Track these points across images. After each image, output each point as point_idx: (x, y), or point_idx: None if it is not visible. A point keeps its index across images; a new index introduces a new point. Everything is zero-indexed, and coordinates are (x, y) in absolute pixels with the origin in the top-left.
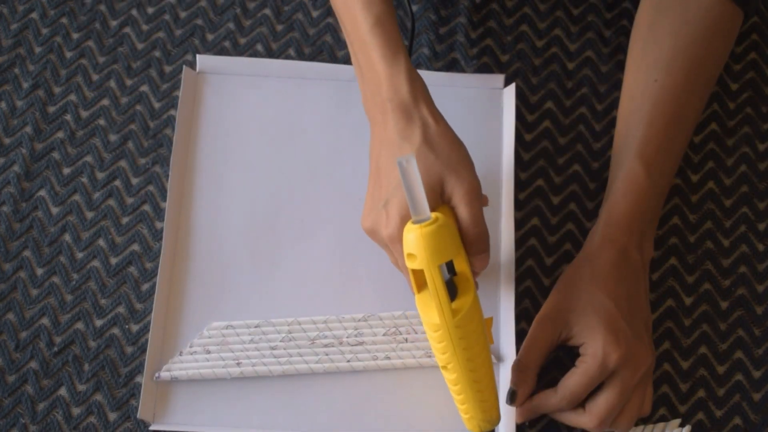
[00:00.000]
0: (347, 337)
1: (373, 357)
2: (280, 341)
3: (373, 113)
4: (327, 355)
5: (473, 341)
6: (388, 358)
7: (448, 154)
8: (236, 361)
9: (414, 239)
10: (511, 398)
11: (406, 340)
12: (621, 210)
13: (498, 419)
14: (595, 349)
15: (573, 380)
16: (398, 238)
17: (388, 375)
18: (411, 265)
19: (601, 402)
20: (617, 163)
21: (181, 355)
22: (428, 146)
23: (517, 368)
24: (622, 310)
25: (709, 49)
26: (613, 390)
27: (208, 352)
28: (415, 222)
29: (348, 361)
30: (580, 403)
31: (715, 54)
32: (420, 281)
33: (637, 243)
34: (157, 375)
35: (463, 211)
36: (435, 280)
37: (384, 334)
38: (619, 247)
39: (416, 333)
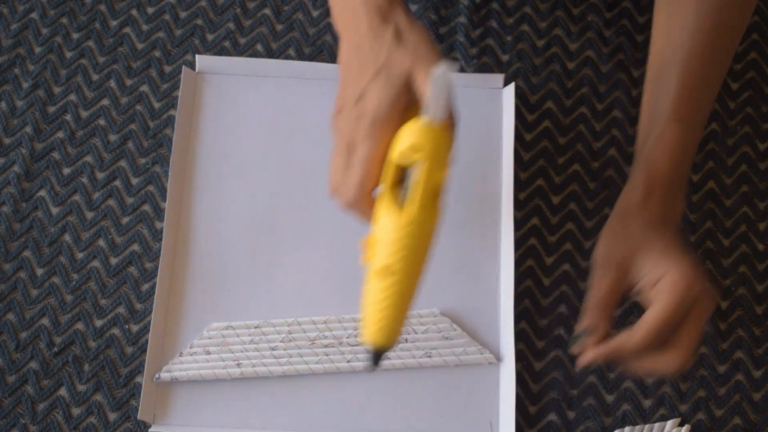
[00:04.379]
0: (347, 338)
1: None
2: (280, 341)
3: (344, 21)
4: (327, 355)
5: (426, 250)
6: (388, 358)
7: (415, 47)
8: (236, 362)
9: (427, 133)
10: (588, 334)
11: (406, 340)
12: (661, 171)
13: (392, 345)
14: (676, 279)
15: (654, 315)
16: (373, 134)
17: (388, 375)
18: (406, 159)
19: (685, 335)
20: (649, 128)
21: (181, 356)
22: (398, 41)
23: (596, 305)
24: (685, 254)
25: (731, 14)
26: (695, 322)
27: (208, 353)
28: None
29: (348, 361)
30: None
31: (736, 19)
32: (396, 178)
33: (674, 203)
34: (157, 376)
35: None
36: (427, 175)
37: None
38: (663, 206)
39: (416, 333)
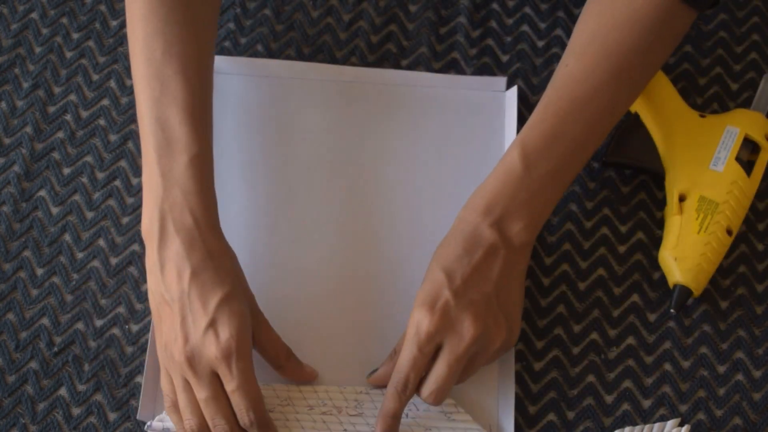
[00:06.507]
0: (347, 407)
1: (371, 429)
2: (278, 405)
3: (153, 227)
4: (324, 422)
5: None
6: None
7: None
8: None
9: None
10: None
11: (407, 416)
12: (480, 192)
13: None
14: (410, 318)
15: (401, 352)
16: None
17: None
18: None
19: (427, 382)
20: None
21: None
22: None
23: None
24: (452, 281)
25: (633, 39)
26: (436, 370)
27: None
28: None
29: (345, 429)
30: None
31: (640, 45)
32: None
33: (494, 222)
34: (149, 424)
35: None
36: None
37: None
38: (469, 226)
39: (418, 410)
